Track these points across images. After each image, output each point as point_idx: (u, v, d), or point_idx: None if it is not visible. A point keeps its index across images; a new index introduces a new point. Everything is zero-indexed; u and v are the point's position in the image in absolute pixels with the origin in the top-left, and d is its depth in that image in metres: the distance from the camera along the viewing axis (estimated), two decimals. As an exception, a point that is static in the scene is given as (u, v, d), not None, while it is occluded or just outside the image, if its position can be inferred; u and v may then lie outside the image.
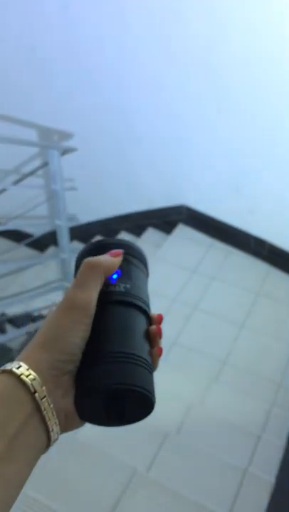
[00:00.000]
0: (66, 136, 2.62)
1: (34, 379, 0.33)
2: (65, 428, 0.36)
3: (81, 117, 2.55)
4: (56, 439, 0.35)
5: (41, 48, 2.33)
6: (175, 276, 2.60)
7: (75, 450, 1.54)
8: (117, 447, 1.60)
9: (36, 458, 0.33)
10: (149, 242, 2.86)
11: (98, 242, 0.44)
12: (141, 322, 0.39)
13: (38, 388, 0.33)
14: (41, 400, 0.33)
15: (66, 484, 1.43)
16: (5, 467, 0.30)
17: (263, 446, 1.71)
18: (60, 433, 0.36)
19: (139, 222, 2.93)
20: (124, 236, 3.00)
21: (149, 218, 2.90)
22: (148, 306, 0.41)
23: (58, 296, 2.28)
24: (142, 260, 0.44)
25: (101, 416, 0.37)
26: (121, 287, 0.39)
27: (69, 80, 2.42)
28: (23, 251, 3.03)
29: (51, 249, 3.15)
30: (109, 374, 0.34)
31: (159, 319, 0.40)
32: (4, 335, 2.15)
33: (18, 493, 0.32)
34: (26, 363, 0.34)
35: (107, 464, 1.51)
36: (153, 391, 0.36)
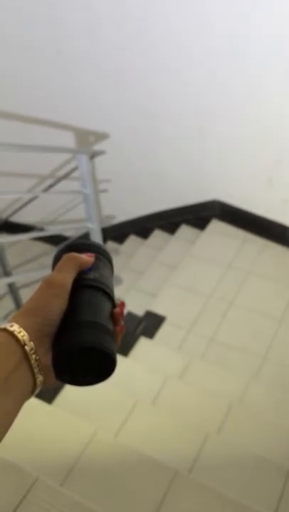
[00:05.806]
0: (102, 136, 2.62)
1: (24, 335, 0.41)
2: (44, 383, 0.43)
3: (109, 119, 2.57)
4: (39, 388, 0.43)
5: (66, 52, 2.35)
6: (210, 272, 2.58)
7: (116, 451, 1.57)
8: (158, 449, 1.62)
9: (25, 398, 0.42)
10: (182, 238, 2.86)
11: (73, 243, 0.53)
12: (106, 303, 0.47)
13: (27, 342, 0.41)
14: (29, 351, 0.41)
15: (108, 486, 1.47)
16: (2, 398, 0.38)
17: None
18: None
19: (172, 219, 2.93)
20: (158, 234, 3.00)
21: (182, 215, 2.89)
22: (112, 292, 0.49)
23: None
24: (108, 258, 0.54)
25: (72, 375, 0.44)
26: (91, 276, 0.48)
27: (94, 82, 2.44)
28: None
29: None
30: (79, 335, 0.42)
31: (121, 305, 0.48)
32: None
33: (10, 424, 0.40)
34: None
35: (149, 465, 1.53)
36: (114, 352, 0.43)
